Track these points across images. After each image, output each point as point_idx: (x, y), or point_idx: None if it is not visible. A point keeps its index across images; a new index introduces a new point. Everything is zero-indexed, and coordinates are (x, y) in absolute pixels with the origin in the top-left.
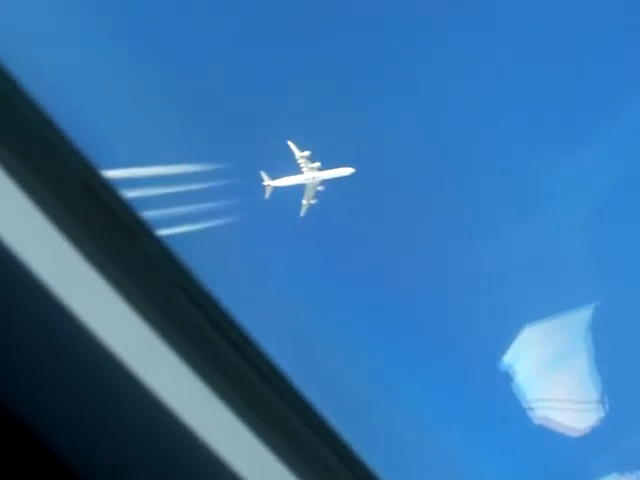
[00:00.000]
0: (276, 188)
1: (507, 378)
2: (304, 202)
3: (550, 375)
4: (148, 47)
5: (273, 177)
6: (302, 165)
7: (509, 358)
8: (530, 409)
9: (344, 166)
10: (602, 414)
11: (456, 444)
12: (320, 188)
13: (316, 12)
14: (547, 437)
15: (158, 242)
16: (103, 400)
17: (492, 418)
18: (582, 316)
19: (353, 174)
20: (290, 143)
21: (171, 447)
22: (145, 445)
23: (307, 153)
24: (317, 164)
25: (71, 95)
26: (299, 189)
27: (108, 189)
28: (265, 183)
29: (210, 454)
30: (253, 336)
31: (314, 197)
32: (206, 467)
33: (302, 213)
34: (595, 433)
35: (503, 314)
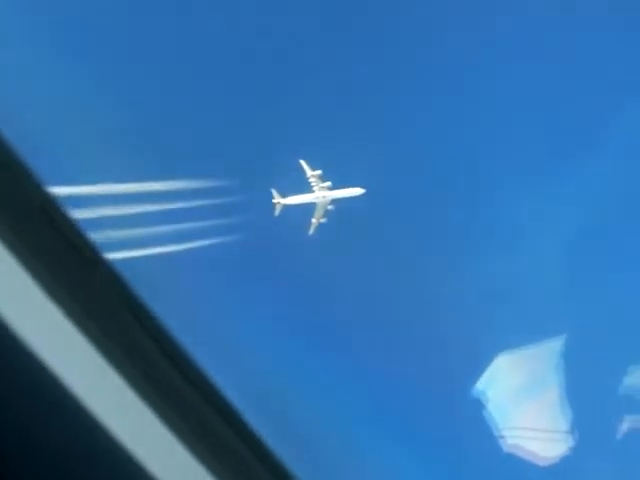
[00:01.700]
0: (286, 206)
1: (479, 405)
2: (313, 221)
3: (522, 403)
4: (154, 53)
5: (283, 195)
6: (313, 184)
7: (481, 385)
8: (501, 437)
9: (355, 187)
10: (572, 444)
11: (425, 472)
12: (330, 207)
13: (330, 30)
14: (517, 465)
15: (111, 268)
16: (47, 421)
17: (462, 445)
18: (555, 346)
19: (364, 194)
20: (302, 162)
21: (104, 463)
22: (80, 461)
23: (318, 172)
24: (328, 183)
25: (39, 118)
26: (309, 208)
27: (63, 215)
28: (275, 201)
29: (142, 468)
30: (203, 362)
31: (324, 216)
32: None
33: (311, 231)
34: (564, 463)
35: (477, 342)
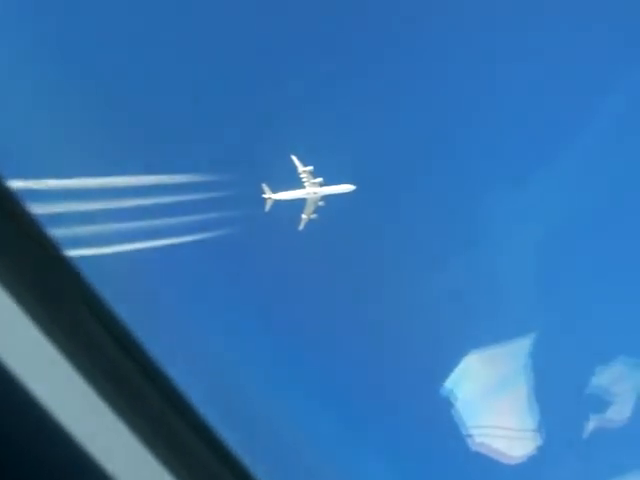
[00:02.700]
0: (277, 201)
1: (448, 404)
2: (304, 216)
3: (490, 402)
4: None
5: (274, 190)
6: (304, 180)
7: (450, 384)
8: (469, 435)
9: (345, 183)
10: (539, 442)
11: (393, 469)
12: (321, 203)
13: (325, 28)
14: (484, 464)
15: (68, 262)
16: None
17: (431, 444)
18: (523, 345)
19: (354, 191)
20: (294, 157)
21: (47, 449)
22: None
23: (310, 168)
24: (319, 180)
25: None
26: (300, 203)
27: (22, 209)
28: (266, 196)
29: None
30: (159, 358)
31: (314, 212)
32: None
33: (301, 227)
34: (531, 461)
35: (446, 341)
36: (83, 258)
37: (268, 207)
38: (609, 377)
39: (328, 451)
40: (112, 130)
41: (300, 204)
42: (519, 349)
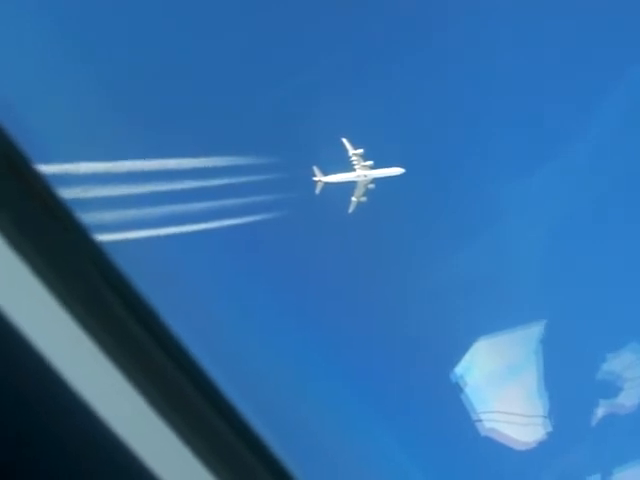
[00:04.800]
0: (327, 184)
1: (457, 389)
2: (353, 199)
3: (500, 388)
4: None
5: (325, 173)
6: (355, 163)
7: (460, 369)
8: (478, 421)
9: (395, 166)
10: (549, 429)
11: (403, 455)
12: (371, 186)
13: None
14: (493, 449)
15: (82, 228)
16: (10, 380)
17: (440, 429)
18: (534, 331)
19: (404, 174)
20: (344, 140)
21: (71, 424)
22: (41, 418)
23: (360, 151)
24: (369, 163)
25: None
26: (350, 186)
27: (39, 179)
28: (317, 179)
29: (110, 432)
30: (179, 332)
31: (364, 194)
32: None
33: (350, 210)
34: (541, 448)
35: (457, 326)
36: (124, 242)
37: (319, 190)
38: (620, 363)
39: (340, 431)
40: (156, 112)
41: (350, 187)
42: (529, 335)
